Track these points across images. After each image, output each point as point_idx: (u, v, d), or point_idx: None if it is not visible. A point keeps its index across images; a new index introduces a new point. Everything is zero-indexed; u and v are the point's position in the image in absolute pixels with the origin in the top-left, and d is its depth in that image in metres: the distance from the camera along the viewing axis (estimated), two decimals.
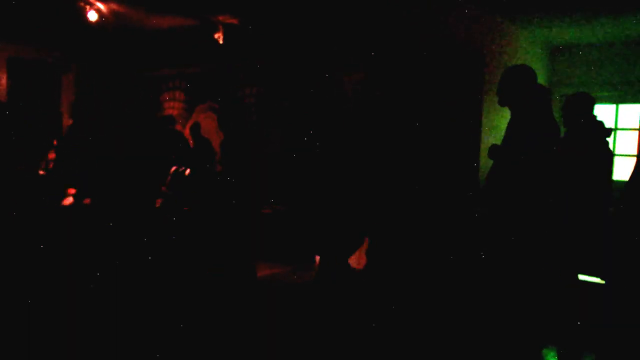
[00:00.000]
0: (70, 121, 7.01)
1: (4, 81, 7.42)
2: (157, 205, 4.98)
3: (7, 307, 3.65)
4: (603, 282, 4.31)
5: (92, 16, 5.92)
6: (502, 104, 3.51)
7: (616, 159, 7.22)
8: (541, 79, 7.15)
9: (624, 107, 7.23)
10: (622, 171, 7.26)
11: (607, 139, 4.08)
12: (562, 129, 3.91)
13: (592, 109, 4.05)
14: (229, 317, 3.81)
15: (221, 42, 6.39)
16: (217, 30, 6.33)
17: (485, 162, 4.59)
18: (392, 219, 4.20)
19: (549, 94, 3.50)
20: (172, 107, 8.10)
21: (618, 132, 7.21)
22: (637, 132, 7.07)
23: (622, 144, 7.22)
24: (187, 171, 5.52)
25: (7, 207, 4.00)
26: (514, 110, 3.41)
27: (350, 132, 4.23)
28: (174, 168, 5.61)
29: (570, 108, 4.09)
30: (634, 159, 4.70)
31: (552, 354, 3.55)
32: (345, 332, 3.76)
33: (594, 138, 4.03)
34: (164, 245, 4.67)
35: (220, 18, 6.24)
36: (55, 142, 6.72)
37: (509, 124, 3.43)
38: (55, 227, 4.87)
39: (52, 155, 6.47)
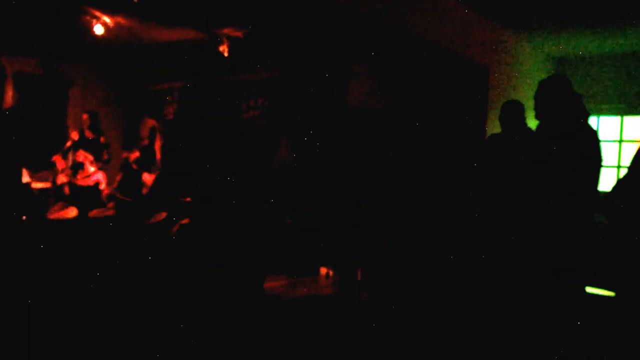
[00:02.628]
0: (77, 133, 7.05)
1: (10, 95, 7.46)
2: None
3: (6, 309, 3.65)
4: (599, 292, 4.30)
5: (99, 30, 5.95)
6: (537, 117, 3.54)
7: (621, 171, 7.21)
8: None
9: (629, 119, 7.22)
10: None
11: None
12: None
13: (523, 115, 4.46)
14: (232, 325, 3.79)
15: (226, 55, 6.41)
16: (221, 43, 6.35)
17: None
18: (400, 230, 4.18)
19: (582, 101, 3.52)
20: None
21: (623, 144, 7.20)
22: None
23: (627, 156, 7.20)
24: None
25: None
26: (549, 123, 3.40)
27: (355, 142, 4.22)
28: None
29: (504, 115, 4.48)
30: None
31: None
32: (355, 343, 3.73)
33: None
34: (167, 250, 4.67)
35: (225, 31, 6.27)
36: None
37: (540, 135, 3.43)
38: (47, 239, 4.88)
39: (65, 173, 6.49)
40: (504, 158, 4.29)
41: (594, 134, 3.41)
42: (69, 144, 6.96)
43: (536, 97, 3.53)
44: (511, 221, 4.18)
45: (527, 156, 3.59)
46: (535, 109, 3.54)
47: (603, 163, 3.50)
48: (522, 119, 4.49)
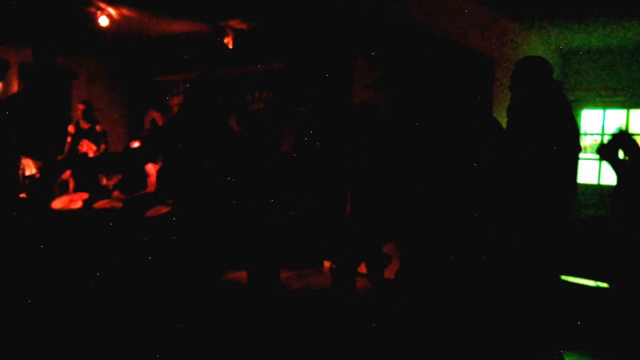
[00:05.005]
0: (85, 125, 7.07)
1: (14, 86, 7.48)
2: None
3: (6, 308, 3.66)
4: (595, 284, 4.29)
5: (103, 21, 5.95)
6: (515, 98, 3.43)
7: None
8: None
9: (635, 112, 7.19)
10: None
11: None
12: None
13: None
14: (243, 322, 3.79)
15: (231, 46, 6.40)
16: (226, 35, 6.34)
17: None
18: (416, 223, 4.18)
19: (562, 89, 3.40)
20: None
21: None
22: None
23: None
24: None
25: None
26: (528, 105, 3.31)
27: (362, 135, 4.21)
28: None
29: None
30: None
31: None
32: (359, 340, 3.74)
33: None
34: (172, 243, 4.66)
35: (230, 23, 6.26)
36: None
37: (516, 116, 3.37)
38: (50, 230, 4.88)
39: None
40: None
41: (574, 123, 3.35)
42: (68, 139, 6.99)
43: (514, 78, 3.41)
44: (493, 216, 4.12)
45: (504, 145, 3.52)
46: (512, 90, 3.43)
47: (580, 153, 3.41)
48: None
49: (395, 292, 4.12)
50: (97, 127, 7.01)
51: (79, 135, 6.85)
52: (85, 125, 6.98)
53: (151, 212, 5.24)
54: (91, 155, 6.34)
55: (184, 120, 3.40)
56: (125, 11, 5.96)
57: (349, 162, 4.21)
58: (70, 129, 7.01)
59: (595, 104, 7.43)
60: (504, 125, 4.36)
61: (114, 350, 3.38)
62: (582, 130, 7.52)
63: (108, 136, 7.12)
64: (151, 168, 5.89)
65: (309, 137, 6.19)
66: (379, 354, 3.53)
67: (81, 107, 7.04)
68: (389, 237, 4.22)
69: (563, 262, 3.72)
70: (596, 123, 7.54)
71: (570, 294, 4.28)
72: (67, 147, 6.93)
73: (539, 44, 6.82)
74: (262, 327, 3.78)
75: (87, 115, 7.01)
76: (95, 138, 6.86)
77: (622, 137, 4.27)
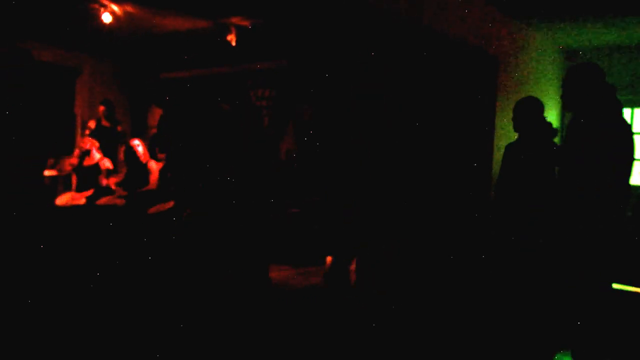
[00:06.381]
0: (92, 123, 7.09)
1: None
2: None
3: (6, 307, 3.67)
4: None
5: (106, 18, 5.96)
6: (569, 108, 3.40)
7: None
8: (556, 83, 7.11)
9: (639, 111, 7.15)
10: (637, 176, 7.17)
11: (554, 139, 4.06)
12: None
13: (541, 111, 4.03)
14: (239, 319, 3.80)
15: (233, 44, 6.40)
16: (229, 33, 6.33)
17: (497, 165, 4.53)
18: (398, 222, 4.18)
19: (615, 92, 3.37)
20: None
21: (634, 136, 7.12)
22: None
23: (637, 148, 7.12)
24: None
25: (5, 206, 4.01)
26: (581, 113, 3.28)
27: (362, 134, 4.21)
28: None
29: (520, 112, 4.05)
30: None
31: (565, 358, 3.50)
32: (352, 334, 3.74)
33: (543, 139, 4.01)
34: (171, 247, 4.68)
35: (233, 20, 6.25)
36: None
37: (573, 127, 3.34)
38: (55, 227, 4.89)
39: (72, 160, 6.52)
40: (525, 163, 4.00)
41: (628, 127, 3.34)
42: (86, 132, 7.04)
43: (565, 86, 3.33)
44: (540, 218, 4.06)
45: (561, 151, 3.51)
46: (565, 98, 3.38)
47: (636, 156, 3.42)
48: (540, 117, 4.01)
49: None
50: (119, 128, 7.07)
51: (96, 133, 6.88)
52: (106, 123, 7.03)
53: (153, 209, 5.24)
54: (94, 152, 6.33)
55: (175, 120, 3.43)
56: (128, 8, 5.96)
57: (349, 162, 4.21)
58: (92, 124, 7.05)
59: None
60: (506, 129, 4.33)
61: (114, 345, 3.39)
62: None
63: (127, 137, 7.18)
64: (153, 165, 5.90)
65: (310, 135, 6.19)
66: (376, 352, 3.54)
67: (102, 107, 7.11)
68: (387, 235, 4.23)
69: (616, 269, 3.58)
70: None
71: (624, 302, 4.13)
72: (83, 142, 6.94)
73: (543, 43, 6.79)
74: (262, 325, 3.79)
75: (109, 114, 7.06)
76: (112, 137, 6.90)
77: None
